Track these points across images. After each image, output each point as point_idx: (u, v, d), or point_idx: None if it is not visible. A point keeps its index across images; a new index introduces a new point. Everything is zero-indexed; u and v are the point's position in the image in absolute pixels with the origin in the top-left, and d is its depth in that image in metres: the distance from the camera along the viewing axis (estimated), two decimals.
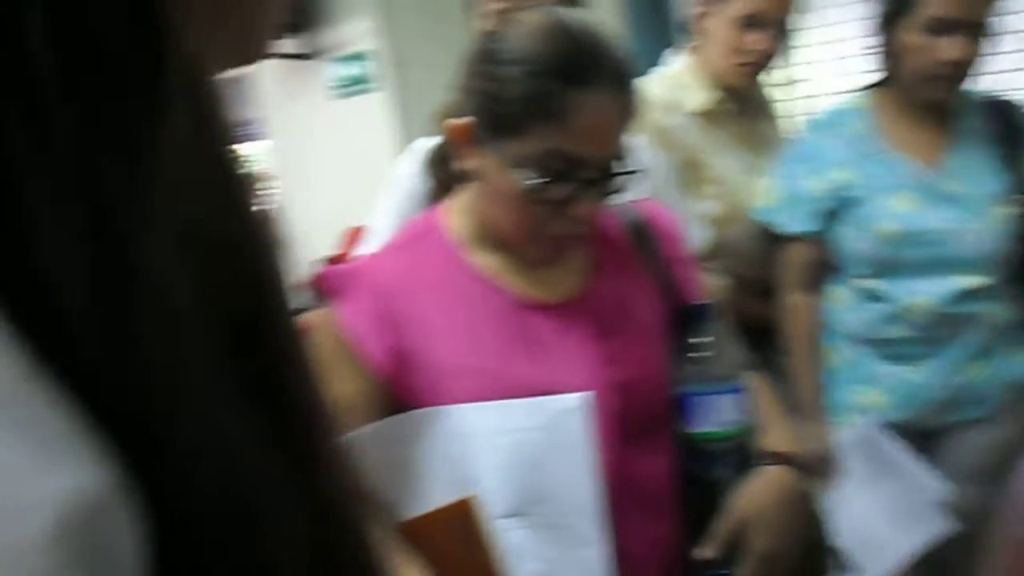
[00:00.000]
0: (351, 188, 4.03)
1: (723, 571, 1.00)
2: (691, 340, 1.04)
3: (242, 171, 0.34)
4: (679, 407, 1.02)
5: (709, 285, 1.72)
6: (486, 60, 0.97)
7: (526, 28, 0.95)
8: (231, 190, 0.34)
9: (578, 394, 0.93)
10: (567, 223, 0.96)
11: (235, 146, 0.34)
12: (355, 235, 4.08)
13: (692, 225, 1.59)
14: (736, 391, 1.03)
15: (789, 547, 1.01)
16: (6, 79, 0.26)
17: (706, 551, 0.99)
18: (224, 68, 0.43)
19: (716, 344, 1.05)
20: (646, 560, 1.00)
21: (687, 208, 1.64)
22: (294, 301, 0.35)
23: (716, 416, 1.01)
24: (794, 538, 1.02)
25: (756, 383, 1.13)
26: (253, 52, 0.44)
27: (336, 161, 4.07)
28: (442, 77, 3.98)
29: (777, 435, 1.09)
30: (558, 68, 0.91)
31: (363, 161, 3.96)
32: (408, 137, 3.86)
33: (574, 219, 0.96)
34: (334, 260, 4.07)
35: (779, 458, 1.04)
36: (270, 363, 0.34)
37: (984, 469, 1.74)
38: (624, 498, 0.95)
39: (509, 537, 0.90)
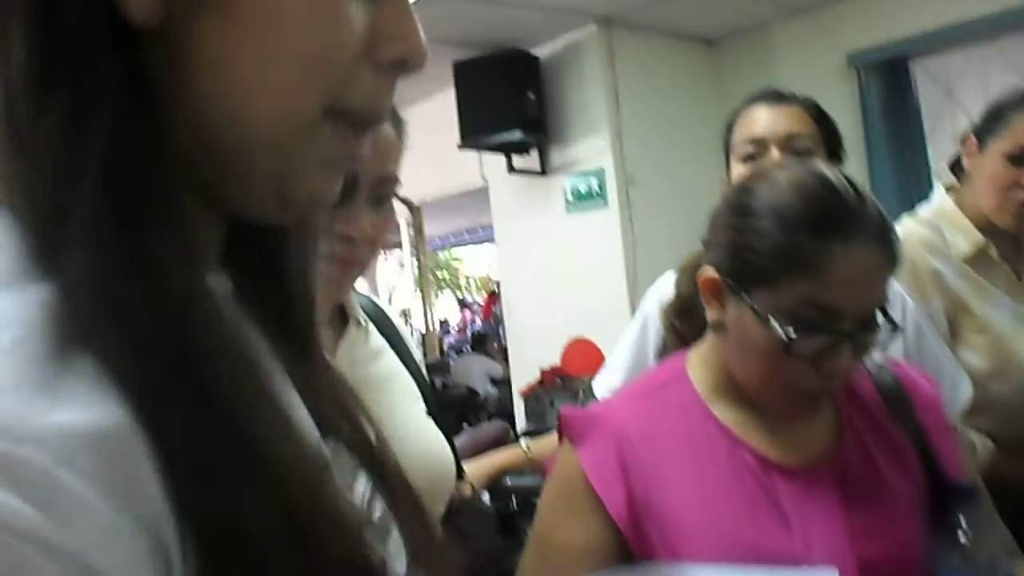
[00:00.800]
0: (577, 299, 4.11)
1: None
2: (952, 522, 0.94)
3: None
4: None
5: (970, 445, 1.58)
6: (739, 212, 0.96)
7: (781, 180, 0.94)
8: None
9: (831, 570, 0.86)
10: (820, 378, 0.92)
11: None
12: (576, 347, 4.14)
13: (957, 378, 1.47)
14: None
15: None
16: None
17: None
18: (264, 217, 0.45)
19: (980, 528, 0.94)
20: None
21: (951, 359, 1.52)
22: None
23: None
24: None
25: None
26: (284, 206, 0.44)
27: (564, 272, 4.17)
28: (669, 196, 4.06)
29: None
30: (817, 220, 0.89)
31: (591, 274, 4.04)
32: (636, 253, 3.91)
33: (828, 374, 0.92)
34: (554, 370, 4.14)
35: None
36: None
37: None
38: None
39: None
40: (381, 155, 1.02)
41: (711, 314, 1.00)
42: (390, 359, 1.20)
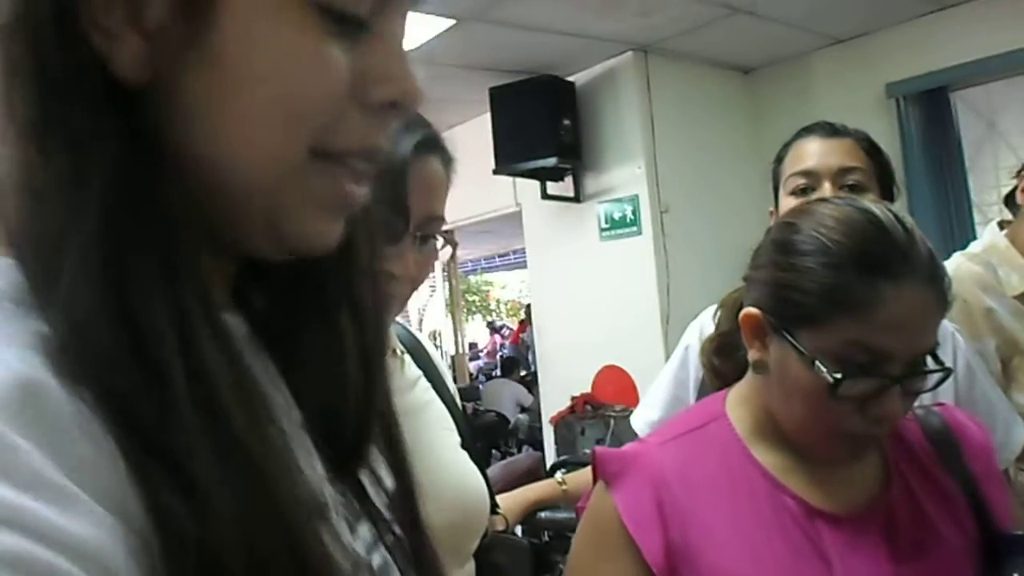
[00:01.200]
0: (608, 326, 4.09)
1: None
2: (1005, 574, 0.91)
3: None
4: None
5: (1022, 489, 1.53)
6: (784, 249, 0.94)
7: (827, 217, 0.91)
8: None
9: None
10: (866, 423, 0.89)
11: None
12: (607, 374, 4.12)
13: (1011, 421, 1.42)
14: None
15: None
16: None
17: None
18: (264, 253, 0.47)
19: None
20: None
21: (1004, 401, 1.47)
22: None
23: None
24: None
25: None
26: (282, 241, 0.46)
27: (596, 299, 4.16)
28: (703, 225, 4.05)
29: None
30: (865, 258, 0.86)
31: (623, 302, 4.02)
32: (669, 281, 3.89)
33: (875, 418, 0.88)
34: (585, 398, 4.11)
35: None
36: None
37: None
38: None
39: None
40: (429, 193, 1.01)
41: (753, 354, 0.97)
42: (425, 389, 1.20)
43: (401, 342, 1.19)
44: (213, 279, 0.46)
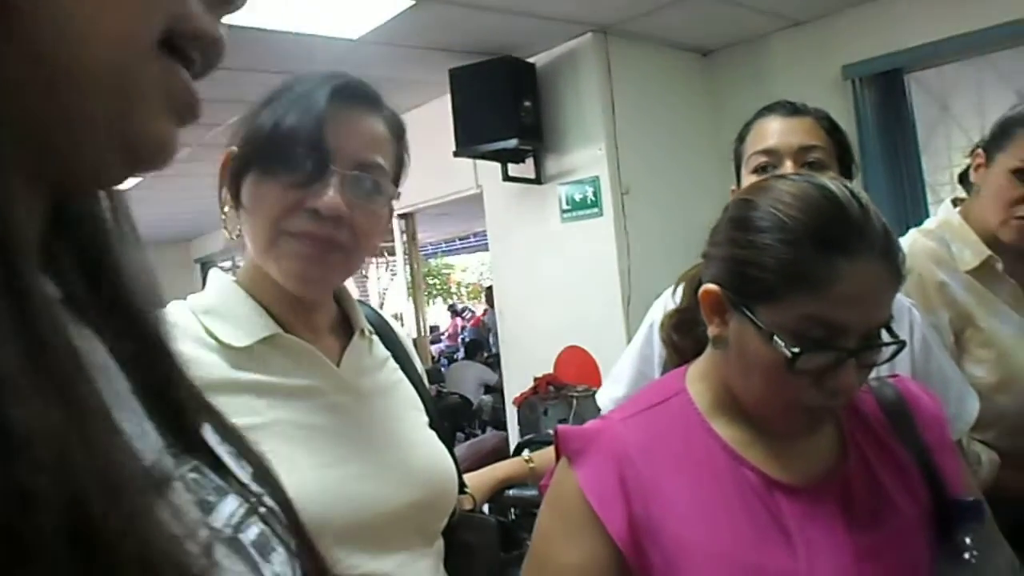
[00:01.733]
0: (570, 307, 4.11)
1: None
2: (957, 540, 0.93)
3: None
4: None
5: (975, 457, 1.57)
6: (741, 226, 0.95)
7: (784, 194, 0.92)
8: None
9: None
10: (823, 395, 0.90)
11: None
12: (570, 355, 4.14)
13: (964, 393, 1.46)
14: None
15: None
16: None
17: None
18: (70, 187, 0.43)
19: (986, 546, 0.93)
20: None
21: (959, 374, 1.52)
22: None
23: None
24: None
25: None
26: (89, 171, 0.42)
27: (557, 280, 4.17)
28: (664, 206, 4.08)
29: None
30: (821, 234, 0.88)
31: (584, 283, 4.04)
32: (630, 262, 3.92)
33: (832, 391, 0.90)
34: (548, 378, 4.13)
35: None
36: None
37: None
38: None
39: None
40: (359, 138, 1.02)
41: (712, 329, 0.99)
42: (394, 370, 1.20)
43: (369, 323, 1.19)
44: (32, 228, 0.41)
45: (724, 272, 0.96)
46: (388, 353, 1.20)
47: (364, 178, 1.03)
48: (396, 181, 1.10)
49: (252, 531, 0.52)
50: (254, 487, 0.56)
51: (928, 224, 1.84)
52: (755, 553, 0.90)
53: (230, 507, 0.51)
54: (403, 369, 1.21)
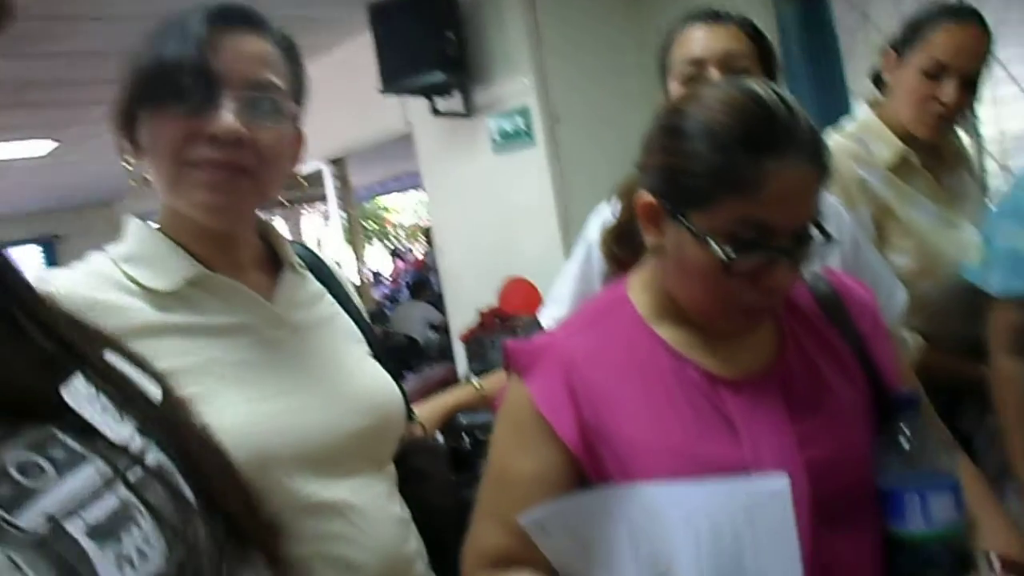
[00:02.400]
0: (509, 240, 4.11)
1: None
2: (894, 429, 0.97)
3: None
4: (887, 504, 0.95)
5: (902, 341, 1.64)
6: (671, 134, 0.96)
7: (712, 99, 0.93)
8: None
9: (782, 476, 0.88)
10: (760, 295, 0.93)
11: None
12: (514, 286, 4.15)
13: (893, 286, 1.53)
14: (949, 487, 0.94)
15: None
16: None
17: None
18: None
19: (921, 434, 0.97)
20: None
21: (887, 268, 1.58)
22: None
23: (928, 515, 0.93)
24: None
25: (967, 472, 1.06)
26: None
27: (495, 214, 4.16)
28: (596, 132, 4.04)
29: (996, 534, 1.01)
30: (749, 138, 0.89)
31: (522, 214, 4.03)
32: (565, 190, 3.92)
33: (767, 290, 0.93)
34: (493, 311, 4.15)
35: (1006, 566, 0.96)
36: None
37: None
38: None
39: None
40: (246, 58, 1.00)
41: (649, 238, 1.00)
42: (330, 304, 1.19)
43: (301, 259, 1.18)
44: None
45: (658, 181, 0.97)
46: (323, 288, 1.19)
47: (260, 98, 1.00)
48: (297, 99, 1.08)
49: (101, 508, 0.49)
50: (135, 443, 0.53)
51: (846, 125, 1.88)
52: (702, 446, 0.93)
53: (81, 480, 0.49)
54: (341, 303, 1.20)
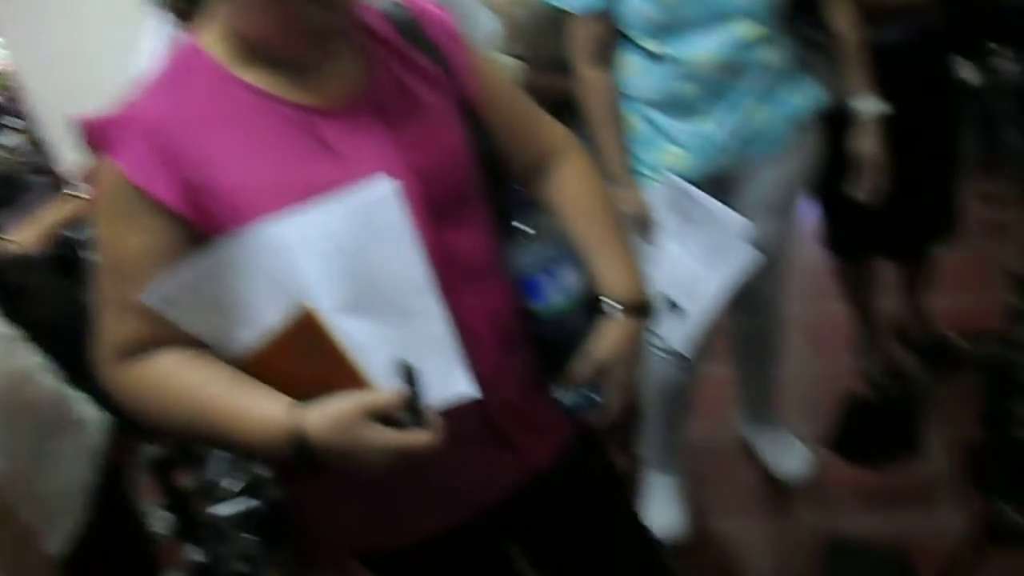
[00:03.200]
0: (103, 48, 3.68)
1: (590, 394, 1.13)
2: (515, 225, 1.10)
3: None
4: (523, 288, 1.10)
5: (505, 68, 1.74)
6: None
7: None
8: None
9: (383, 178, 0.91)
10: (322, 11, 0.92)
11: None
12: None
13: (479, 15, 1.59)
14: (569, 260, 1.12)
15: (636, 377, 1.18)
16: None
17: (570, 383, 1.11)
18: None
19: (539, 223, 1.12)
20: (484, 333, 1.04)
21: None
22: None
23: (556, 290, 1.10)
24: (639, 371, 1.18)
25: (593, 215, 1.20)
26: None
27: (75, 31, 3.68)
28: None
29: (615, 277, 1.16)
30: None
31: (102, 22, 3.60)
32: None
33: (327, 4, 0.91)
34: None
35: (628, 309, 1.14)
36: None
37: (776, 202, 1.89)
38: (448, 275, 0.96)
39: (352, 334, 0.90)
40: None
41: None
42: None
43: None
44: None
45: None
46: None
47: None
48: None
49: None
50: None
51: None
52: (304, 173, 0.93)
53: None
54: None
